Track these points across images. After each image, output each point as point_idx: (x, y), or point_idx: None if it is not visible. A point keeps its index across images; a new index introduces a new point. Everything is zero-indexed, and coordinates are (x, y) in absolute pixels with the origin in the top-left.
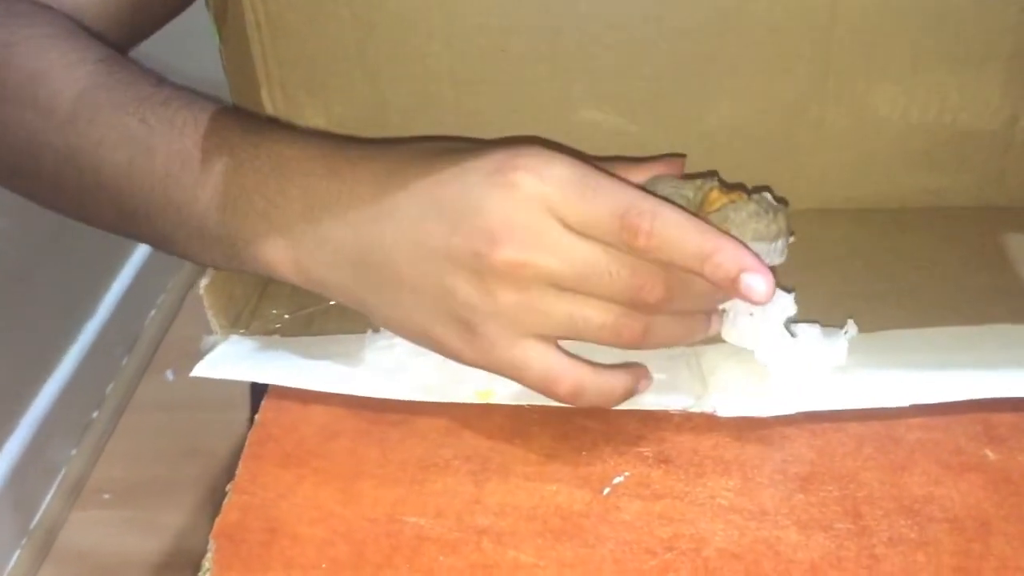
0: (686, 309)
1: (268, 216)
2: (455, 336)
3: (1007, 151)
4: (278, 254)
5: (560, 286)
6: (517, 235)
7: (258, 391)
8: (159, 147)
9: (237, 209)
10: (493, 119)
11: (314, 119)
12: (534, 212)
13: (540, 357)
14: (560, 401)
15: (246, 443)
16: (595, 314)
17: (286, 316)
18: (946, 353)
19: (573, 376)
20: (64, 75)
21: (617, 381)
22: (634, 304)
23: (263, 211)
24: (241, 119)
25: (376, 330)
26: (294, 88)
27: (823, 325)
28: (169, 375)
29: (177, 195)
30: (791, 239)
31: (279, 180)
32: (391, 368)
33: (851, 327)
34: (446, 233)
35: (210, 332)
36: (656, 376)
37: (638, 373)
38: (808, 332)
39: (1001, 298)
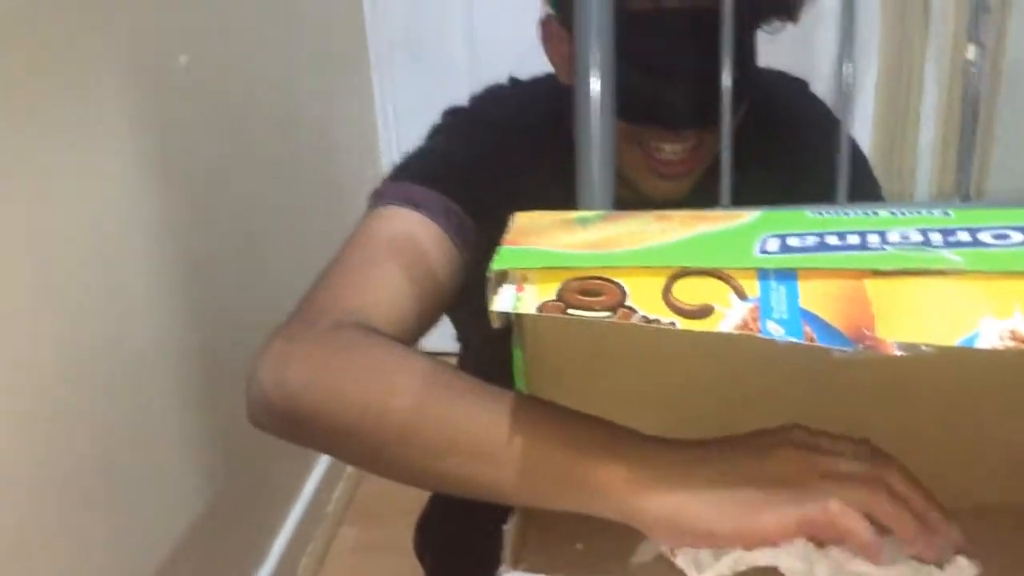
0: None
1: (609, 455)
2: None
3: None
4: (612, 479)
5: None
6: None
7: None
8: (509, 412)
9: (582, 453)
10: None
11: None
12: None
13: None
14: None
15: None
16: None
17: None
18: None
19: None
20: (409, 364)
21: None
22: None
23: (606, 452)
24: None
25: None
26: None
27: None
28: None
29: (528, 444)
30: None
31: (612, 440)
32: None
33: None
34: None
35: None
36: None
37: None
38: None
39: None
